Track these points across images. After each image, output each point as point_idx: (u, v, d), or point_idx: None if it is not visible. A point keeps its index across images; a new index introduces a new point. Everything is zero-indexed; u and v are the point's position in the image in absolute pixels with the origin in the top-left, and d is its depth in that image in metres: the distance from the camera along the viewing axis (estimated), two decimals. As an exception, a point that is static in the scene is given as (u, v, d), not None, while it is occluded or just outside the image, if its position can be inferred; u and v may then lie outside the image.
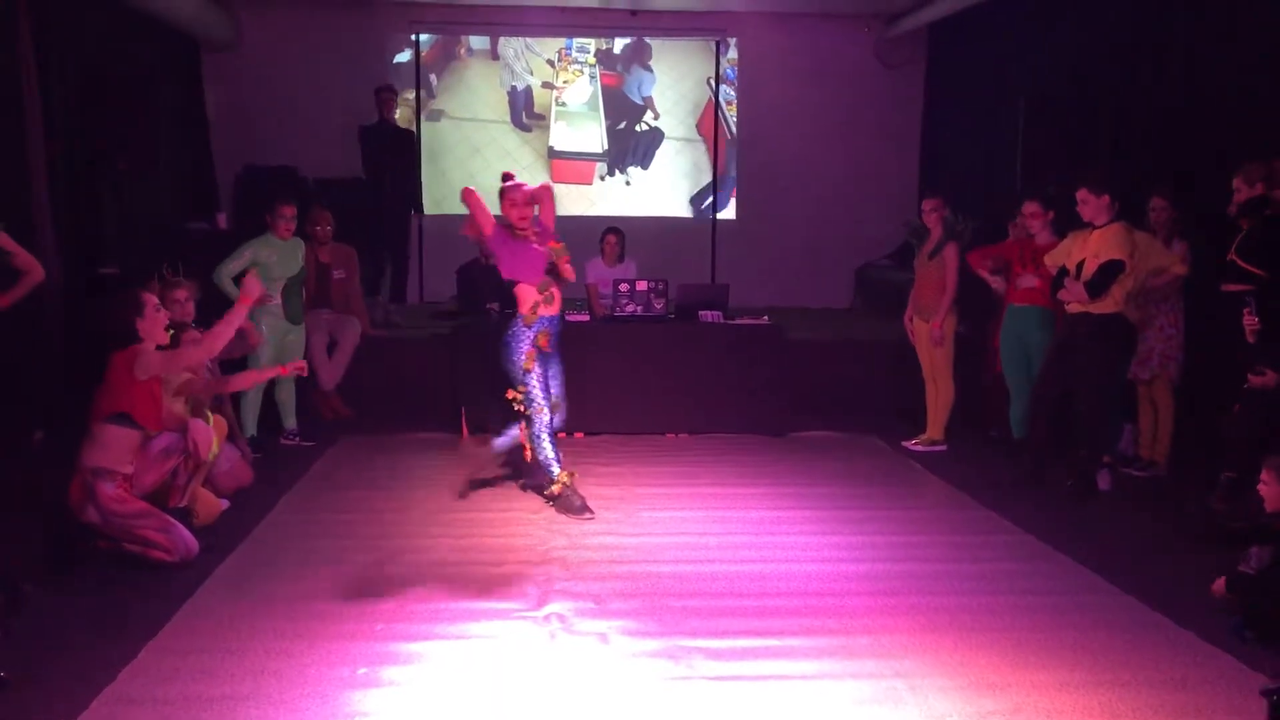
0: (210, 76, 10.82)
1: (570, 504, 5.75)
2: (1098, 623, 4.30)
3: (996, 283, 7.10)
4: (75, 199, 7.87)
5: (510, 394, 5.80)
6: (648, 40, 11.82)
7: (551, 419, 5.82)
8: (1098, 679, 3.76)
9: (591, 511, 5.71)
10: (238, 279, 7.08)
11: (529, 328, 5.73)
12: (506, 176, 5.86)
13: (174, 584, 4.58)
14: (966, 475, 6.64)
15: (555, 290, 5.81)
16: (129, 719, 3.40)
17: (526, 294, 5.76)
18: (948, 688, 3.69)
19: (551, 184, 6.35)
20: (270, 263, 7.14)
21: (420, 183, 10.03)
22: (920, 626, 4.22)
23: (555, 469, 5.80)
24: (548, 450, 5.80)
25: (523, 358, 5.71)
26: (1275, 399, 5.33)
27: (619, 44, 11.84)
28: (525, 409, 5.77)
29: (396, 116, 10.29)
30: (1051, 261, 6.43)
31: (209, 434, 5.25)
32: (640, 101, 11.96)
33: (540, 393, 5.74)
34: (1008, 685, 3.71)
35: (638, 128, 11.94)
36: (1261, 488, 4.42)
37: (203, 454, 5.17)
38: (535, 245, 5.74)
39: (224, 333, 5.10)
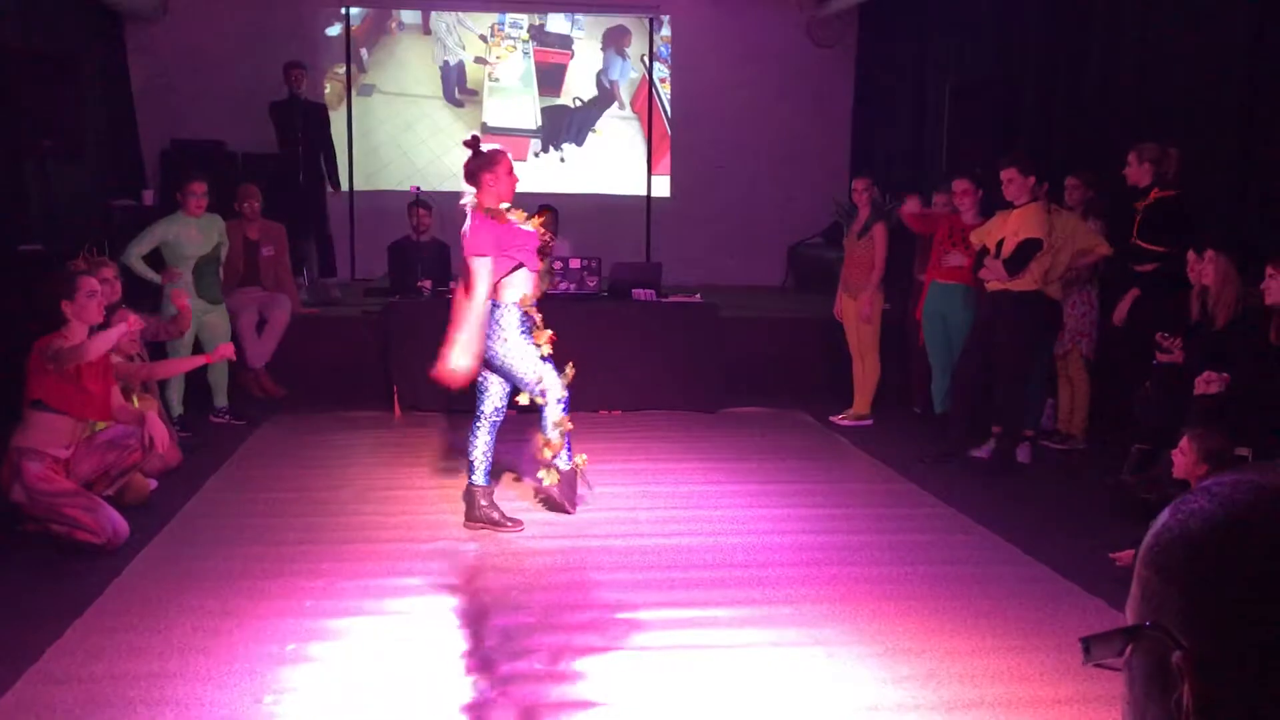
0: (134, 48, 10.63)
1: (480, 510, 5.21)
2: (1012, 592, 4.45)
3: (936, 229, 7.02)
4: (-3, 176, 7.71)
5: (521, 399, 5.23)
6: (580, 16, 11.80)
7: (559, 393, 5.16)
8: (1009, 644, 3.91)
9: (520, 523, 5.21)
10: (150, 260, 7.00)
11: (526, 315, 5.11)
12: (475, 142, 5.09)
13: (100, 564, 4.57)
14: (891, 450, 6.80)
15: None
16: (55, 698, 3.40)
17: (522, 281, 5.05)
18: (865, 655, 3.81)
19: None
20: (181, 240, 7.01)
21: (334, 159, 9.92)
22: (840, 596, 4.34)
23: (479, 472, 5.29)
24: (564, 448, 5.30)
25: (528, 346, 5.07)
26: (1183, 373, 5.53)
27: (591, 22, 11.80)
28: (541, 397, 5.13)
29: (327, 91, 10.18)
30: (976, 240, 6.59)
31: (164, 430, 5.20)
32: (607, 85, 11.94)
33: (558, 378, 5.14)
34: (923, 651, 3.84)
35: (572, 104, 11.93)
36: (1176, 454, 4.58)
37: (158, 447, 5.13)
38: (522, 225, 5.08)
39: (103, 344, 4.97)
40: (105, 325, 5.33)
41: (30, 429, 4.81)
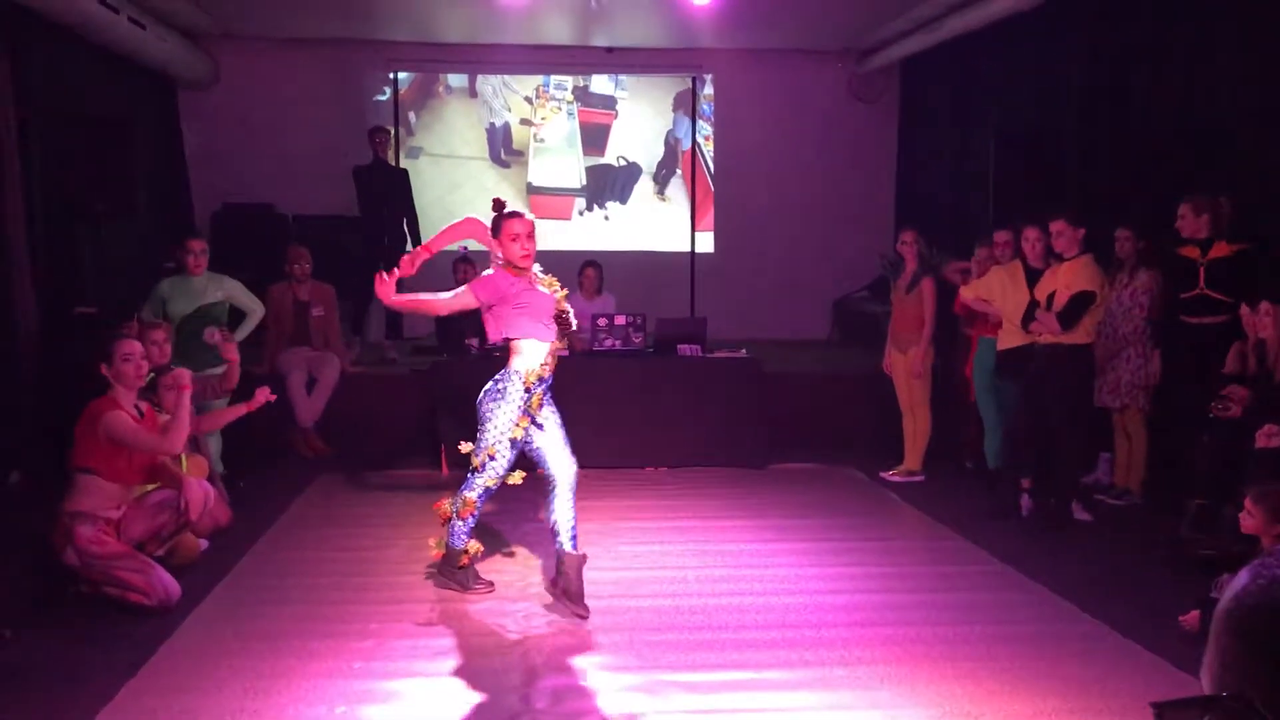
0: (187, 115, 10.88)
1: (453, 574, 5.03)
2: (1073, 652, 4.34)
3: (995, 310, 6.79)
4: (52, 239, 7.88)
5: (465, 445, 5.02)
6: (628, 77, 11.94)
7: (486, 492, 4.97)
8: (1071, 706, 3.80)
9: (489, 586, 5.03)
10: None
11: (528, 391, 4.84)
12: (499, 204, 5.04)
13: (152, 626, 4.57)
14: (944, 506, 6.69)
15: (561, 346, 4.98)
16: (106, 762, 3.39)
17: (533, 351, 4.86)
18: (923, 718, 3.71)
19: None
20: (173, 300, 6.87)
21: (416, 222, 10.02)
22: (896, 658, 4.25)
23: (463, 539, 5.03)
24: (467, 523, 4.99)
25: (511, 424, 4.81)
26: (1241, 427, 5.41)
27: (634, 82, 11.95)
28: (477, 469, 4.91)
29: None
30: (973, 294, 6.69)
31: (201, 495, 5.21)
32: (672, 143, 12.06)
33: (505, 469, 4.91)
34: (982, 715, 3.74)
35: (616, 163, 12.03)
36: (1243, 516, 4.47)
37: (193, 515, 5.15)
38: (541, 289, 4.90)
39: (182, 428, 5.06)
40: (152, 388, 5.40)
41: (80, 492, 4.86)
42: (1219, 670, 0.76)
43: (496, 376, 4.89)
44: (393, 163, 10.77)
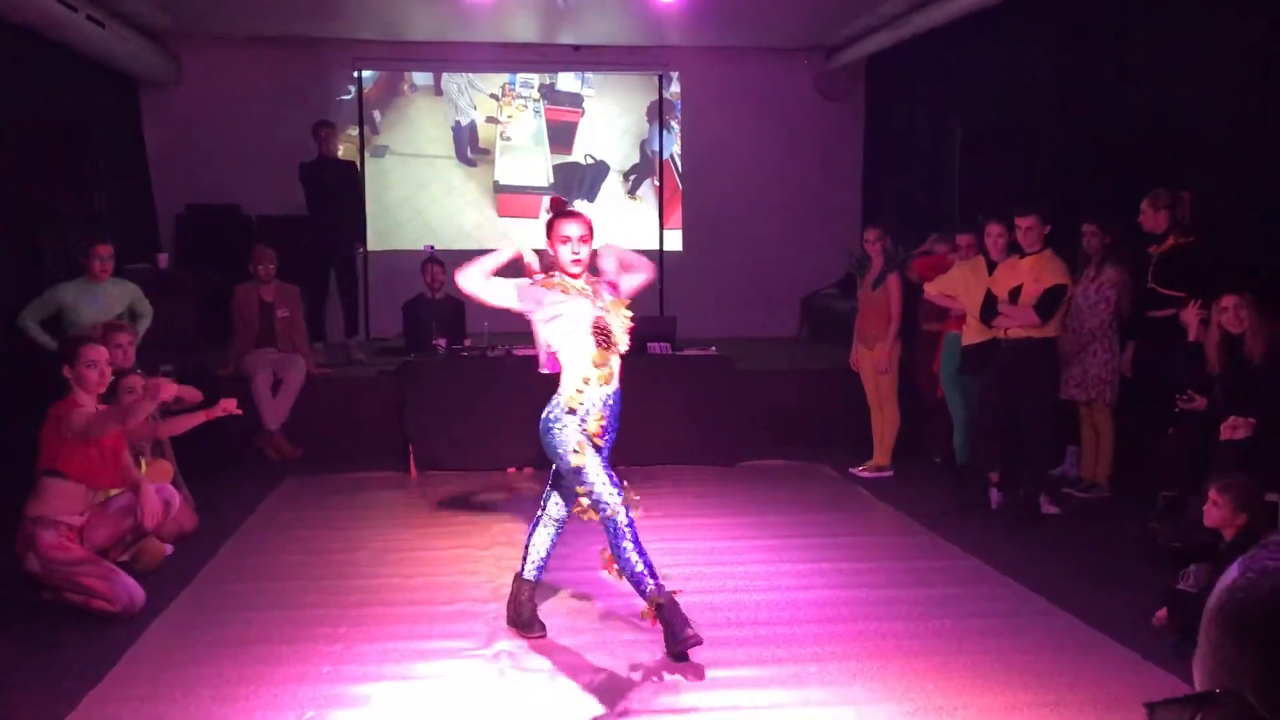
0: (150, 115, 10.75)
1: (669, 628, 4.17)
2: (1043, 644, 4.36)
3: (959, 306, 6.87)
4: (13, 243, 7.76)
5: (577, 508, 4.39)
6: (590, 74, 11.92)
7: (626, 518, 4.25)
8: (1043, 700, 3.81)
9: (696, 639, 4.12)
10: (50, 325, 6.77)
11: (573, 413, 4.31)
12: (557, 203, 4.58)
13: (117, 632, 4.50)
14: (913, 501, 6.71)
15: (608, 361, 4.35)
16: (69, 772, 3.33)
17: (572, 371, 4.34)
18: (896, 714, 3.72)
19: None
20: (78, 306, 6.81)
21: (363, 218, 9.96)
22: (868, 653, 4.25)
23: (649, 583, 4.22)
24: (629, 561, 4.24)
25: (570, 448, 4.25)
26: (1207, 420, 5.46)
27: (600, 80, 11.92)
28: (597, 514, 4.28)
29: (340, 152, 10.26)
30: (937, 290, 6.76)
31: (158, 502, 5.13)
32: (650, 155, 12.03)
33: (607, 487, 4.23)
34: (955, 709, 3.75)
35: (584, 161, 12.00)
36: (1208, 507, 4.50)
37: (148, 522, 5.08)
38: (580, 299, 4.32)
39: (142, 412, 4.99)
40: (113, 391, 5.32)
41: (43, 497, 4.79)
42: (1211, 666, 0.75)
43: (547, 407, 4.38)
44: (353, 160, 10.70)
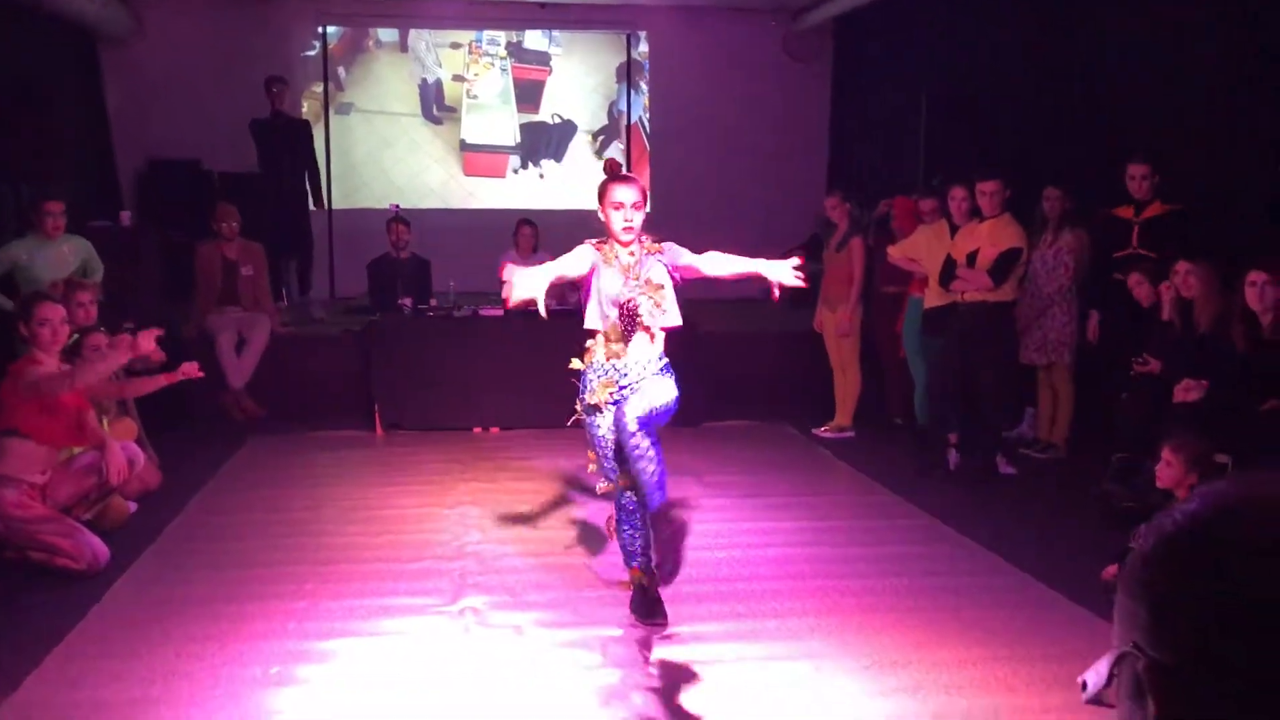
0: (110, 70, 10.58)
1: (638, 603, 4.20)
2: (997, 601, 4.46)
3: (922, 269, 6.93)
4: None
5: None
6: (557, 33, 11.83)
7: (628, 499, 4.18)
8: (995, 654, 3.91)
9: (664, 617, 4.14)
10: (6, 284, 6.68)
11: (592, 371, 4.25)
12: (611, 166, 4.33)
13: (81, 590, 4.51)
14: (874, 461, 6.80)
15: (650, 331, 4.21)
16: (35, 726, 3.36)
17: (598, 343, 4.25)
18: (852, 668, 3.81)
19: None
20: (32, 264, 6.73)
21: (318, 175, 9.87)
22: (826, 609, 4.34)
23: (631, 560, 4.24)
24: (625, 535, 4.23)
25: (587, 413, 4.26)
26: (1161, 383, 5.57)
27: (568, 39, 11.82)
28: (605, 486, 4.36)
29: (305, 109, 10.16)
30: (900, 253, 6.87)
31: (123, 459, 5.12)
32: (616, 115, 11.96)
33: (605, 463, 4.26)
34: (909, 663, 3.84)
35: (551, 120, 11.94)
36: (1160, 467, 4.60)
37: (113, 479, 5.06)
38: (615, 271, 4.18)
39: (95, 373, 4.96)
40: (76, 349, 5.29)
41: (4, 456, 4.77)
42: (1119, 627, 0.81)
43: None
44: (317, 118, 10.59)
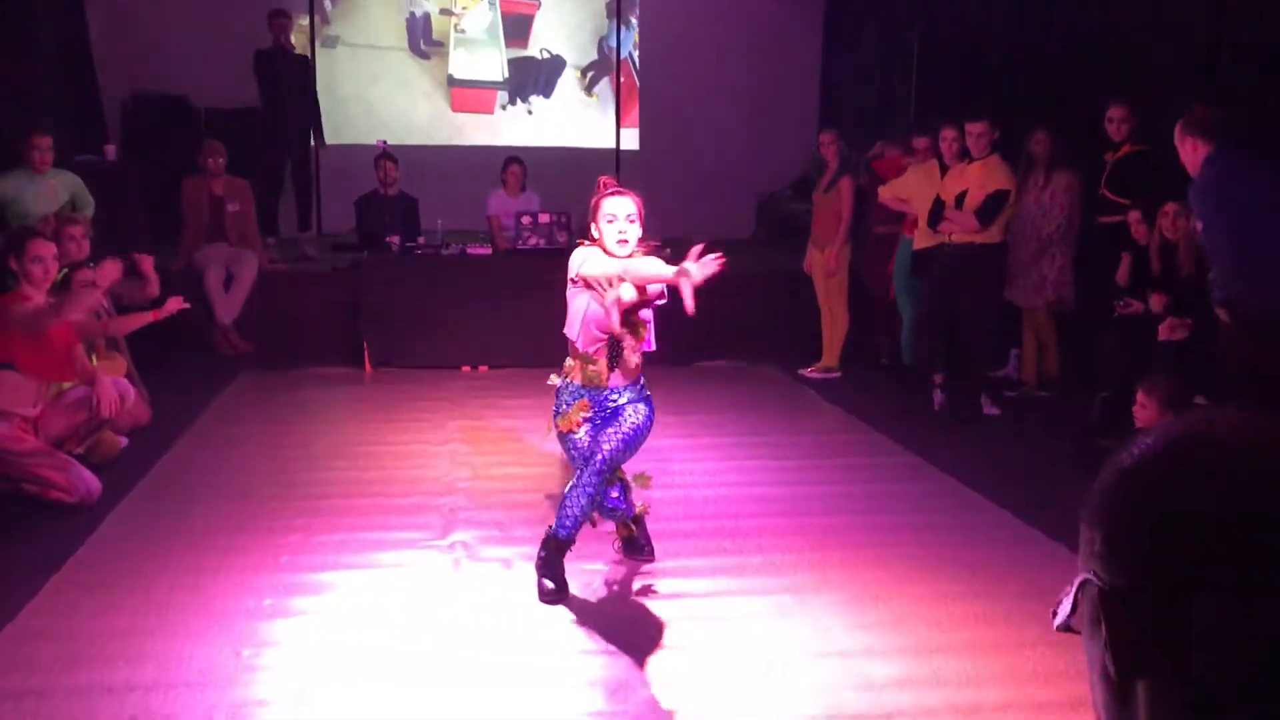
0: (92, 2, 10.40)
1: (546, 559, 4.01)
2: (978, 539, 4.55)
3: (912, 209, 6.94)
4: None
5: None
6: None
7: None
8: (974, 590, 4.00)
9: (562, 590, 3.97)
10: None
11: (567, 392, 4.04)
12: (606, 182, 4.10)
13: (74, 523, 4.56)
14: (859, 402, 6.86)
15: (627, 367, 3.99)
16: (34, 654, 3.42)
17: (577, 321, 4.01)
18: (834, 601, 3.89)
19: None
20: (21, 198, 6.69)
21: (319, 112, 9.79)
22: (810, 545, 4.42)
23: (563, 531, 3.98)
24: (576, 508, 3.96)
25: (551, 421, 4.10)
26: (1144, 324, 5.63)
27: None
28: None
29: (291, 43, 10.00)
30: (891, 194, 6.86)
31: (114, 392, 5.14)
32: (607, 51, 11.83)
33: (577, 464, 4.04)
34: (891, 597, 3.93)
35: (540, 55, 11.83)
36: (1137, 409, 4.67)
37: (104, 412, 5.09)
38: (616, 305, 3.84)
39: (82, 306, 4.97)
40: (66, 284, 5.29)
41: (-3, 389, 4.80)
42: (1080, 556, 0.86)
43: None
44: (301, 50, 10.46)
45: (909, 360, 7.09)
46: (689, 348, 7.95)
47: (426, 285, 7.76)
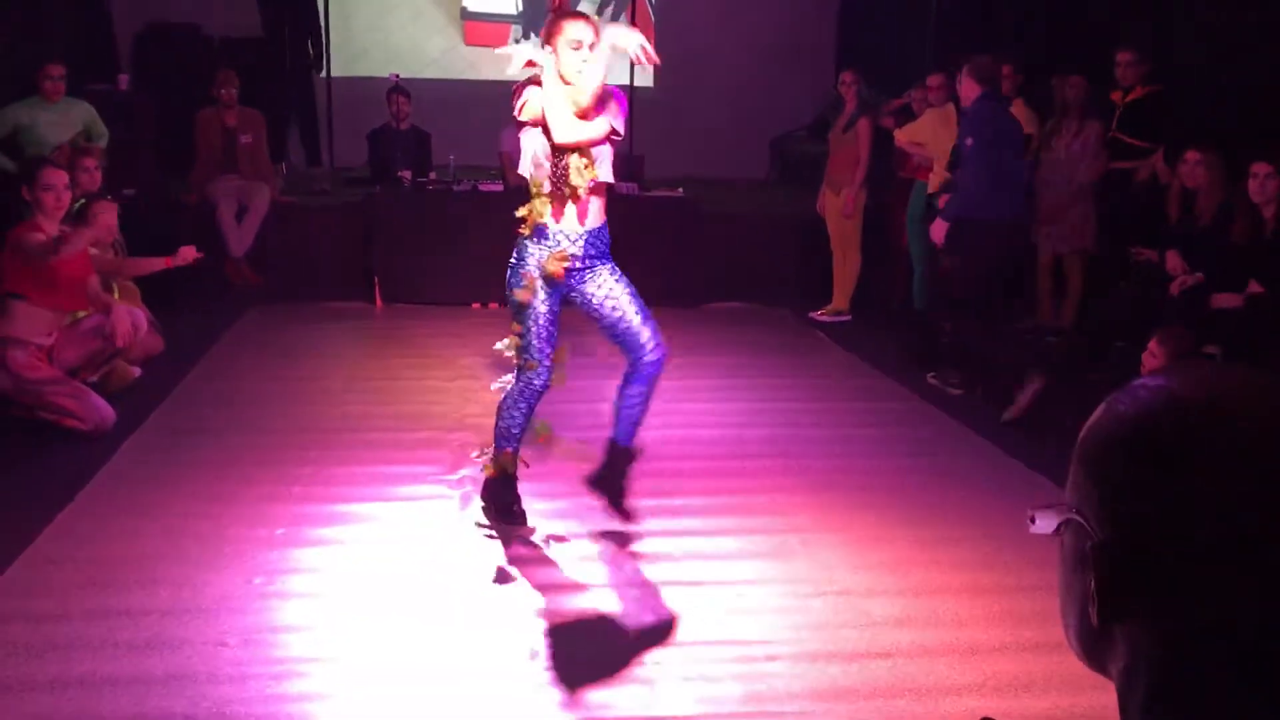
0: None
1: (496, 497, 4.03)
2: (984, 483, 4.59)
3: (927, 153, 6.93)
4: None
5: (504, 341, 4.03)
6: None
7: (541, 382, 3.94)
8: (975, 534, 4.04)
9: (523, 519, 4.01)
10: (7, 146, 6.65)
11: (530, 241, 3.85)
12: (562, 3, 3.90)
13: (88, 450, 4.63)
14: (869, 346, 6.87)
15: (576, 193, 3.76)
16: (51, 579, 3.49)
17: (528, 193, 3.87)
18: (836, 542, 3.94)
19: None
20: (35, 126, 6.69)
21: (321, 41, 9.72)
22: (815, 486, 4.47)
23: (506, 444, 3.99)
24: (513, 418, 3.96)
25: (519, 284, 3.84)
26: (1158, 275, 5.61)
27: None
28: (515, 357, 3.96)
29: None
30: (906, 137, 6.83)
31: (129, 321, 5.16)
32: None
33: (536, 342, 3.87)
34: (893, 539, 3.98)
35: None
36: (1146, 356, 4.65)
37: (120, 341, 5.12)
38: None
39: (79, 242, 4.93)
40: (82, 215, 5.30)
41: (10, 318, 4.83)
42: (1069, 491, 0.86)
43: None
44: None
45: (920, 305, 7.08)
46: (699, 290, 7.96)
47: (438, 221, 7.76)
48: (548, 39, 3.71)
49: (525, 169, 3.84)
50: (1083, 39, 7.40)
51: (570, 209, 3.79)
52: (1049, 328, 7.04)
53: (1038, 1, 8.14)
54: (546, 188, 3.77)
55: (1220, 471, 0.75)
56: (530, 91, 3.74)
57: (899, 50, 10.28)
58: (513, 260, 3.88)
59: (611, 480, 3.98)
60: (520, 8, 11.65)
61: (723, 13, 11.50)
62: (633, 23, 11.69)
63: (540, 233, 3.80)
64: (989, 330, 5.88)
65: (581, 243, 3.82)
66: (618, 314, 3.88)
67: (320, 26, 9.63)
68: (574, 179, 3.73)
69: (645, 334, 3.93)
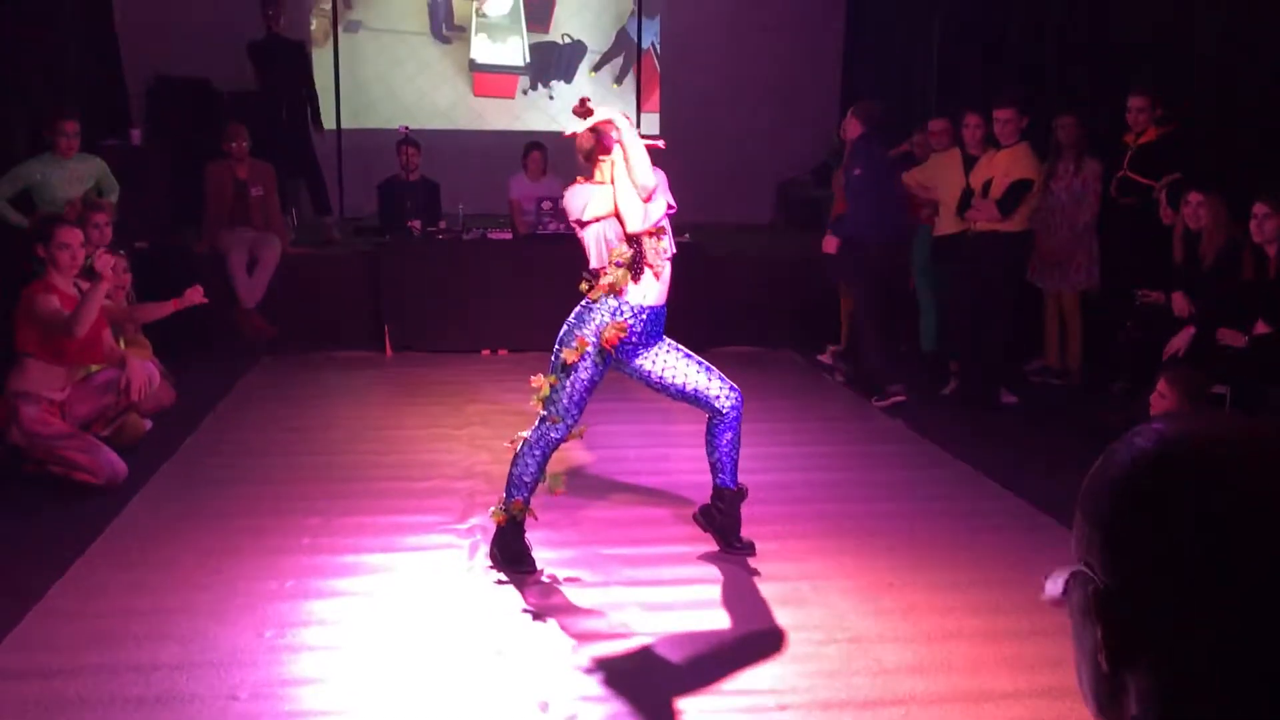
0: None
1: (506, 545, 4.08)
2: (991, 526, 4.57)
3: (935, 196, 6.96)
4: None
5: (535, 380, 4.16)
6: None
7: (559, 435, 4.09)
8: (986, 578, 4.03)
9: (533, 567, 4.06)
10: (17, 203, 6.69)
11: (597, 306, 4.02)
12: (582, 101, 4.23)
13: (100, 504, 4.64)
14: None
15: (646, 267, 4.05)
16: (59, 634, 3.49)
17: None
18: (848, 589, 3.93)
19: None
20: (51, 183, 6.73)
21: (315, 97, 9.81)
22: (825, 532, 4.46)
23: (517, 492, 4.07)
24: (527, 465, 4.07)
25: (570, 344, 4.01)
26: (1163, 316, 5.61)
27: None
28: (542, 408, 4.10)
29: (314, 26, 10.05)
30: (914, 180, 6.80)
31: (143, 375, 5.19)
32: (629, 37, 11.80)
33: (566, 402, 4.04)
34: (904, 585, 3.96)
35: (561, 40, 11.84)
36: (1155, 396, 4.65)
37: (134, 395, 5.15)
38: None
39: (90, 311, 4.91)
40: (92, 270, 5.34)
41: (24, 373, 4.87)
42: (1074, 541, 0.87)
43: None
44: (327, 36, 10.49)
45: (928, 347, 7.09)
46: (704, 334, 7.96)
47: (448, 270, 7.81)
48: (605, 150, 4.06)
49: (597, 260, 4.06)
50: (1086, 82, 7.46)
51: (643, 285, 4.05)
52: (1055, 370, 7.04)
53: (1040, 49, 8.19)
54: (628, 254, 4.01)
55: (1209, 522, 0.76)
56: (585, 191, 4.05)
57: (902, 93, 10.37)
58: (571, 320, 4.06)
59: (727, 522, 4.22)
60: (527, 59, 11.78)
61: (726, 58, 11.61)
62: (639, 73, 11.83)
63: (607, 307, 4.00)
64: (880, 342, 6.49)
65: (645, 318, 4.05)
66: (680, 381, 4.16)
67: (313, 84, 9.70)
68: (651, 258, 4.04)
69: (714, 387, 4.21)
